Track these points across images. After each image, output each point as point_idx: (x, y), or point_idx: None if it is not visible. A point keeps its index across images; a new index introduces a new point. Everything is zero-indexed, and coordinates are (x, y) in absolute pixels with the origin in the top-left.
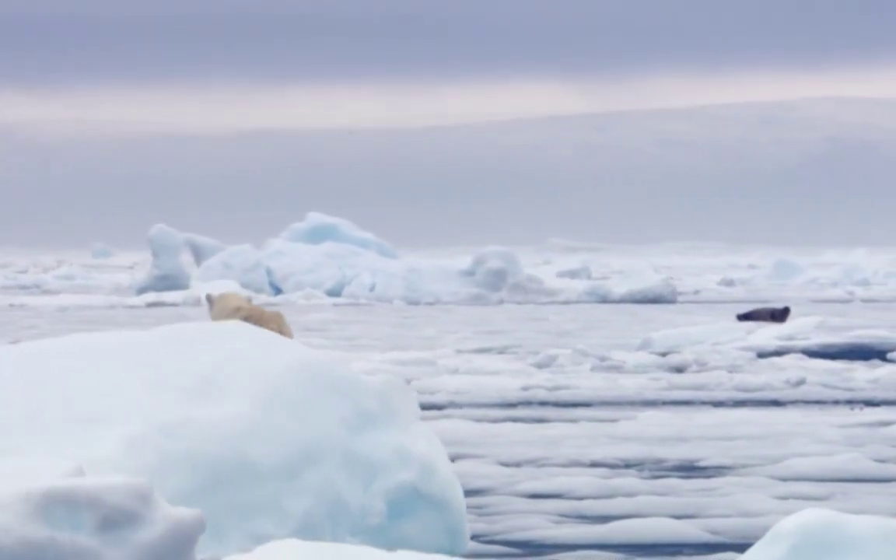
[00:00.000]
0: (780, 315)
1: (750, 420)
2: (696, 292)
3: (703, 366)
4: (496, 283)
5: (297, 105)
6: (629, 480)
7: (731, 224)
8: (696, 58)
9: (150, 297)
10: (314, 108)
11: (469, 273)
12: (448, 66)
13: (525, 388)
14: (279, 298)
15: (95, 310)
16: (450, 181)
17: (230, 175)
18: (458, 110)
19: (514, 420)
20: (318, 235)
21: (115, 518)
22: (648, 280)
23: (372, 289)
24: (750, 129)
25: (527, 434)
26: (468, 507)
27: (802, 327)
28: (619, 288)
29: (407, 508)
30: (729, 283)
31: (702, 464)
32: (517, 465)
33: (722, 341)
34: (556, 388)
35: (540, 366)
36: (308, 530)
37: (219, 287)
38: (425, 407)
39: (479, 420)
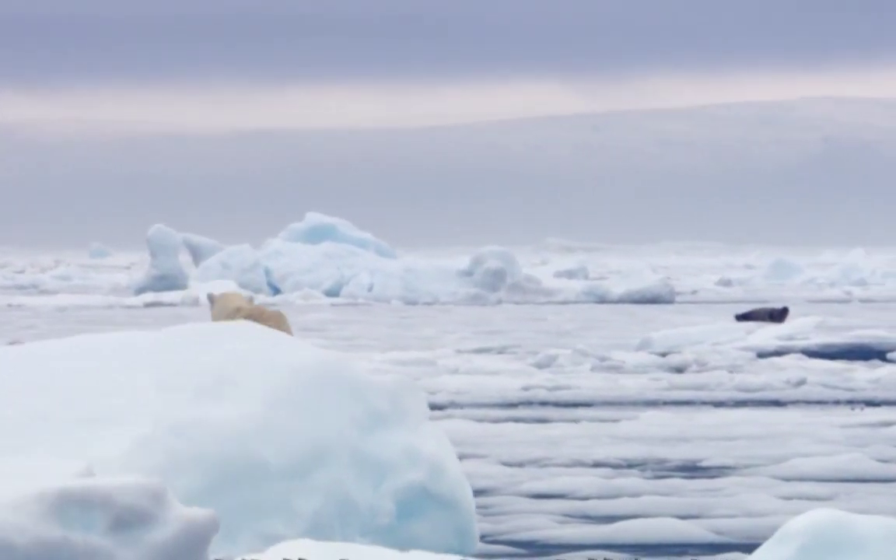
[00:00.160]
0: (778, 315)
1: (751, 420)
2: (694, 292)
3: (703, 366)
4: (494, 283)
5: (296, 105)
6: (632, 480)
7: (728, 224)
8: (694, 58)
9: (149, 297)
10: (313, 108)
11: (467, 273)
12: (447, 66)
13: (526, 389)
14: (277, 298)
15: (93, 310)
16: (447, 181)
17: (229, 175)
18: (457, 110)
19: (516, 420)
20: (316, 235)
21: (128, 518)
22: (646, 280)
23: (370, 289)
24: (748, 129)
25: (528, 434)
26: None
27: (802, 327)
28: (617, 288)
29: (416, 508)
30: (727, 283)
31: (704, 464)
32: (520, 465)
33: (721, 341)
34: (557, 388)
35: (540, 366)
36: (317, 530)
37: (217, 287)
38: None
39: (480, 420)
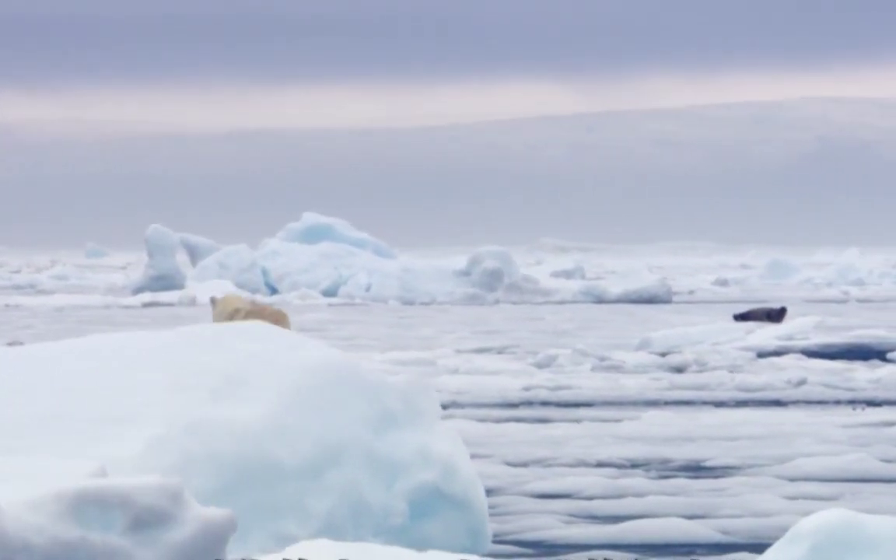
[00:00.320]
0: (776, 315)
1: (753, 420)
2: (691, 292)
3: (703, 366)
4: (492, 283)
5: (293, 105)
6: (637, 480)
7: (723, 224)
8: (690, 58)
9: (146, 297)
10: (310, 108)
11: (465, 273)
12: (444, 66)
13: (526, 389)
14: (275, 298)
15: (91, 310)
16: (443, 181)
17: (226, 175)
18: (453, 110)
19: (518, 420)
20: (313, 235)
21: (146, 518)
22: (644, 280)
23: (368, 289)
24: (744, 130)
25: (531, 434)
26: None
27: (801, 327)
28: (614, 288)
29: (429, 508)
30: (723, 283)
31: (708, 464)
32: (524, 465)
33: (721, 341)
34: (558, 388)
35: (540, 366)
36: (330, 530)
37: (214, 287)
38: None
39: (482, 420)
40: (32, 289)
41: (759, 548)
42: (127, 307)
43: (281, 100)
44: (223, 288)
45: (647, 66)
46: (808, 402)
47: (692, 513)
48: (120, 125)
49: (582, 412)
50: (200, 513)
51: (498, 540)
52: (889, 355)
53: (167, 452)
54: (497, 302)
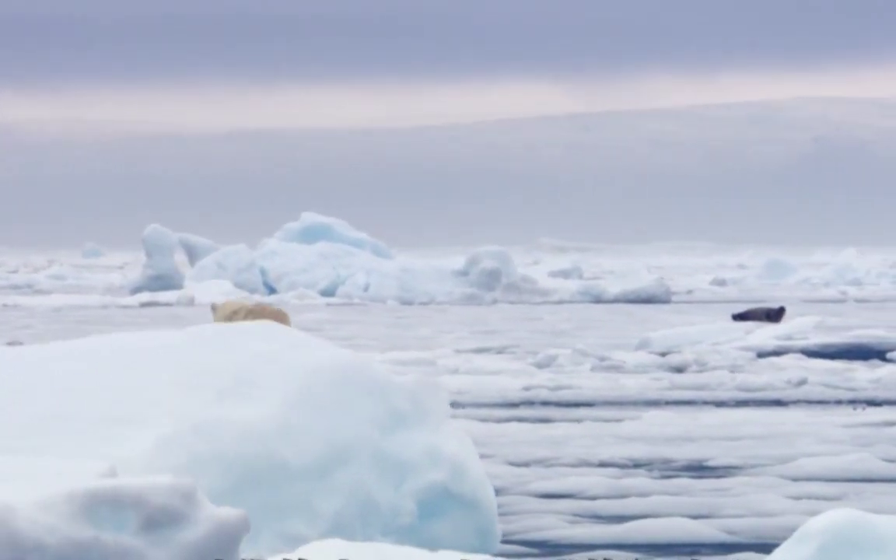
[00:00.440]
0: (775, 315)
1: (754, 420)
2: (689, 292)
3: (703, 366)
4: (490, 283)
5: (291, 105)
6: (640, 480)
7: (719, 224)
8: (685, 58)
9: (144, 296)
10: (309, 108)
11: (463, 273)
12: (440, 66)
13: (527, 389)
14: (273, 298)
15: (89, 310)
16: (441, 181)
17: (224, 175)
18: (451, 110)
19: (519, 420)
20: (312, 235)
21: (159, 518)
22: (642, 280)
23: (366, 289)
24: (740, 130)
25: (532, 434)
26: None
27: (801, 327)
28: (612, 288)
29: (438, 508)
30: (721, 282)
31: (711, 464)
32: (526, 464)
33: (720, 341)
34: (558, 387)
35: (540, 366)
36: (339, 530)
37: (213, 287)
38: None
39: (483, 420)
40: (30, 289)
41: (765, 548)
42: (125, 307)
43: (280, 100)
44: (221, 288)
45: (644, 66)
46: (809, 402)
47: (696, 513)
48: (118, 125)
49: (583, 412)
50: (213, 513)
51: (505, 540)
52: (889, 355)
53: (175, 452)
54: (495, 302)
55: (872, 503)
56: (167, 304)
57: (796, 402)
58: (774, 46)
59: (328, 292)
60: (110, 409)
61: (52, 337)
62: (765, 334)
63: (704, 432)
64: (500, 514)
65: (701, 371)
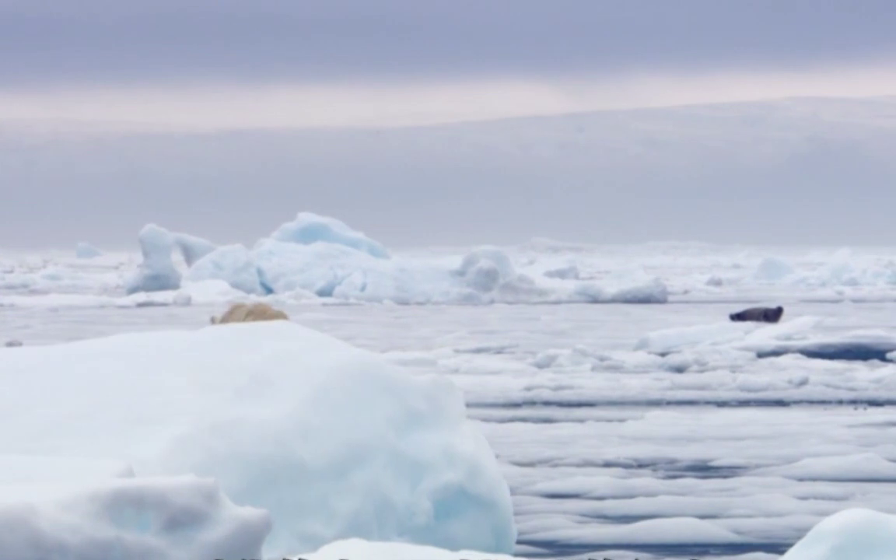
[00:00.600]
0: (773, 315)
1: (757, 420)
2: (686, 292)
3: (703, 366)
4: (487, 283)
5: (289, 105)
6: (646, 480)
7: (713, 224)
8: (678, 58)
9: (141, 296)
10: (306, 108)
11: (460, 273)
12: (435, 67)
13: (528, 389)
14: (270, 298)
15: (87, 310)
16: (434, 181)
17: (220, 175)
18: (444, 110)
19: (522, 420)
20: (309, 235)
21: (181, 518)
22: (639, 280)
23: (363, 289)
24: (733, 130)
25: (536, 434)
26: None
27: (800, 327)
28: (609, 288)
29: (454, 508)
30: (717, 282)
31: (716, 464)
32: (531, 464)
33: (720, 341)
34: (560, 387)
35: (540, 366)
36: (355, 530)
37: (209, 287)
38: None
39: (486, 420)
40: (25, 288)
41: (775, 548)
42: (122, 307)
43: (277, 100)
44: (218, 288)
45: (638, 67)
46: (811, 402)
47: (704, 513)
48: (112, 125)
49: (585, 412)
50: (236, 513)
51: (520, 540)
52: (888, 355)
53: (192, 452)
54: (492, 302)
55: (879, 503)
56: (164, 304)
57: (798, 403)
58: (767, 47)
59: (325, 292)
60: (128, 409)
61: (51, 337)
62: (764, 334)
63: (708, 432)
64: None
65: (701, 371)
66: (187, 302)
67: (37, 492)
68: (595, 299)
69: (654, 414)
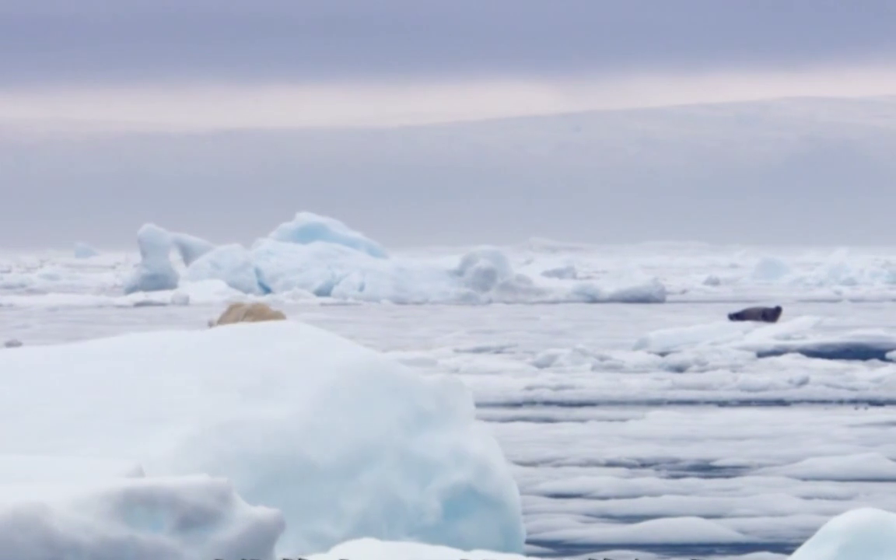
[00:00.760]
0: (771, 315)
1: (759, 420)
2: (683, 292)
3: (703, 366)
4: (485, 282)
5: (287, 105)
6: (649, 480)
7: (710, 224)
8: (675, 58)
9: (139, 296)
10: (305, 107)
11: (458, 273)
12: (433, 67)
13: (529, 388)
14: (268, 298)
15: (85, 310)
16: (431, 181)
17: (218, 175)
18: (440, 110)
19: (523, 420)
20: (307, 235)
21: (194, 517)
22: (637, 280)
23: (361, 288)
24: (728, 129)
25: (538, 433)
26: None
27: (799, 327)
28: (608, 287)
29: (463, 508)
30: (715, 282)
31: (719, 463)
32: (534, 464)
33: (719, 341)
34: (561, 387)
35: (540, 365)
36: (364, 530)
37: (208, 287)
38: None
39: (487, 420)
40: (23, 288)
41: (780, 548)
42: (120, 307)
43: (275, 99)
44: (216, 288)
45: (635, 66)
46: (812, 402)
47: (708, 512)
48: (109, 125)
49: (586, 412)
50: (249, 512)
51: (529, 540)
52: (888, 355)
53: (200, 452)
54: (490, 301)
55: (884, 503)
56: (162, 304)
57: (799, 402)
58: (764, 46)
59: (323, 292)
60: (136, 408)
61: (50, 337)
62: (763, 334)
63: (710, 432)
64: None
65: (702, 371)
66: (185, 302)
67: (49, 491)
68: (593, 299)
69: (656, 413)
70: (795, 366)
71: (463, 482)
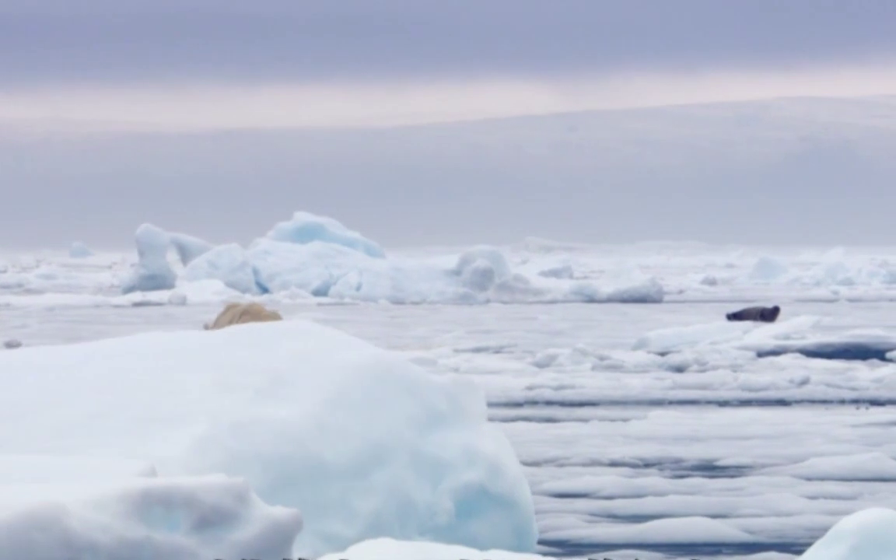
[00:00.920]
0: (769, 315)
1: (761, 419)
2: (681, 292)
3: (703, 365)
4: (483, 282)
5: (284, 104)
6: (654, 479)
7: (706, 224)
8: (671, 58)
9: (136, 296)
10: (302, 107)
11: (456, 272)
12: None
13: (530, 388)
14: (265, 298)
15: (83, 309)
16: (427, 181)
17: (216, 175)
18: (436, 110)
19: (525, 420)
20: (304, 235)
21: (212, 517)
22: (635, 280)
23: (359, 288)
24: (724, 129)
25: (541, 433)
26: None
27: (798, 327)
28: (605, 287)
29: (475, 508)
30: (712, 282)
31: (722, 463)
32: (537, 464)
33: (718, 341)
34: (561, 387)
35: (540, 365)
36: (376, 530)
37: (205, 287)
38: None
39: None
40: (20, 288)
41: (787, 548)
42: (117, 307)
43: (273, 99)
44: (214, 287)
45: (630, 66)
46: (813, 402)
47: (714, 512)
48: (104, 125)
49: (588, 412)
50: (266, 512)
51: (543, 540)
52: (888, 354)
53: (212, 452)
54: (488, 301)
55: (889, 503)
56: (159, 304)
57: (800, 402)
58: (760, 46)
59: (320, 292)
60: (147, 408)
61: (50, 336)
62: (762, 334)
63: (712, 432)
64: None
65: (702, 371)
66: (183, 301)
67: (67, 491)
68: (591, 299)
69: (657, 413)
70: (795, 366)
71: (475, 482)
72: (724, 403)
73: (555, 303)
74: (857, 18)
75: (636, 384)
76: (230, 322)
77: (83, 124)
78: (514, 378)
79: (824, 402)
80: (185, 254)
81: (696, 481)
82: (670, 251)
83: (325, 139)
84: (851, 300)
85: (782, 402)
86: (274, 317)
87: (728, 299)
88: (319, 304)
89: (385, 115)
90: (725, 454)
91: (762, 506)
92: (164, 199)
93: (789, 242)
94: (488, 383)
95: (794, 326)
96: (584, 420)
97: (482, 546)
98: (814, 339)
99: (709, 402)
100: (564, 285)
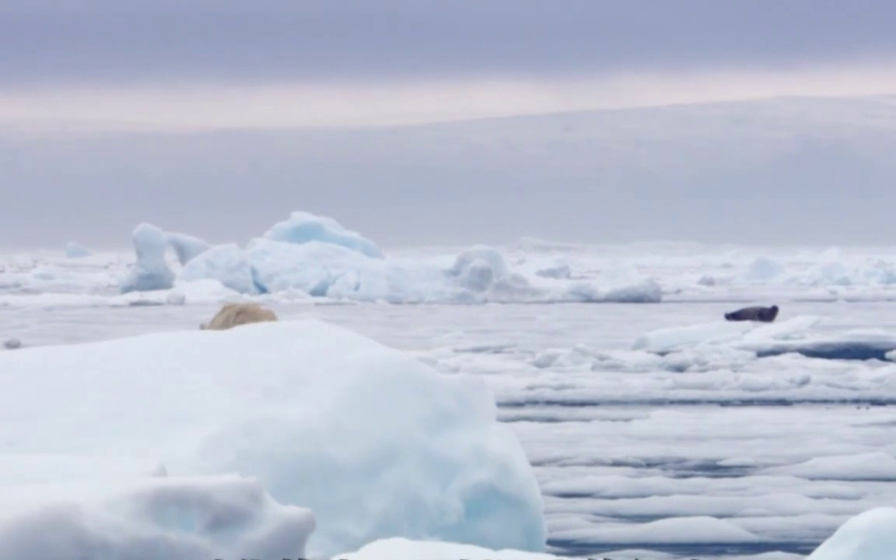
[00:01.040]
0: (768, 314)
1: (762, 419)
2: (678, 292)
3: (704, 365)
4: (481, 282)
5: (282, 104)
6: (657, 479)
7: (702, 223)
8: (667, 57)
9: (134, 296)
10: (300, 107)
11: (454, 272)
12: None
13: (531, 388)
14: (263, 298)
15: (81, 309)
16: (424, 181)
17: (214, 175)
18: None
19: (527, 419)
20: (302, 234)
21: (225, 517)
22: (633, 280)
23: (357, 288)
24: (720, 129)
25: (543, 433)
26: None
27: (797, 327)
28: (603, 287)
29: (485, 507)
30: (709, 282)
31: (725, 463)
32: (540, 464)
33: (718, 341)
34: (562, 387)
35: (540, 365)
36: (387, 530)
37: (203, 286)
38: None
39: None
40: (17, 288)
41: (792, 547)
42: (115, 307)
43: (271, 99)
44: (211, 287)
45: (626, 66)
46: (814, 401)
47: (719, 512)
48: (101, 125)
49: (589, 411)
50: (280, 512)
51: (550, 539)
52: (888, 354)
53: (223, 452)
54: (485, 301)
55: (893, 502)
56: (157, 304)
57: (801, 402)
58: (755, 46)
59: (318, 292)
60: (159, 408)
61: (49, 336)
62: (762, 334)
63: (715, 431)
64: None
65: (702, 370)
66: (181, 301)
67: (80, 491)
68: (589, 299)
69: (659, 413)
70: (796, 365)
71: (485, 481)
72: (725, 403)
73: (553, 303)
74: (853, 19)
75: (637, 384)
76: (226, 322)
77: (80, 124)
78: (515, 378)
79: (825, 401)
80: (183, 254)
81: (700, 481)
82: (666, 251)
83: (322, 139)
84: (849, 300)
85: (783, 402)
86: (269, 316)
87: (726, 299)
88: (317, 304)
89: (382, 116)
90: (728, 454)
91: (767, 505)
92: (161, 199)
93: (785, 242)
94: (490, 383)
95: (793, 326)
96: (586, 420)
97: (492, 546)
98: (813, 339)
99: (710, 402)
100: (562, 285)
